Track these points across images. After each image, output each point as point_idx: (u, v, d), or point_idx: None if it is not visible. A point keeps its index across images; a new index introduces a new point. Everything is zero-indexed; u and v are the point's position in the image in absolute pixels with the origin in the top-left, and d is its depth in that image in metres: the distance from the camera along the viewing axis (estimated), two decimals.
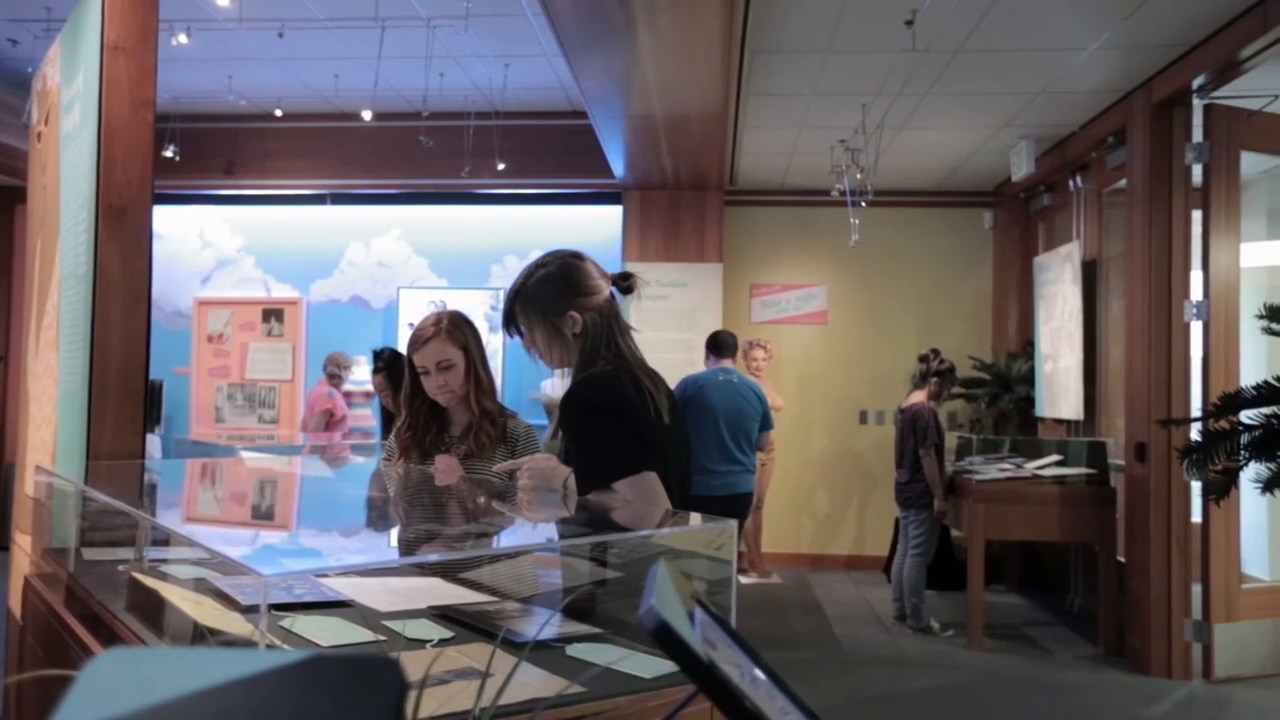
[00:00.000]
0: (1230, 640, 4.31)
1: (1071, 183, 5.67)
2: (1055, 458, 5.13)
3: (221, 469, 2.84)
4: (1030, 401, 6.09)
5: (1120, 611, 4.70)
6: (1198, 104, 4.38)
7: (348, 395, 6.37)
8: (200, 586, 1.68)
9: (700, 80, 4.28)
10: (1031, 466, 5.10)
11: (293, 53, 5.41)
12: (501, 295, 5.06)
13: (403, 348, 2.83)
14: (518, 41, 5.19)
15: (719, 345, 4.75)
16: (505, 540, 1.81)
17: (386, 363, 4.41)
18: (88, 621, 1.66)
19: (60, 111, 2.66)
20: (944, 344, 6.62)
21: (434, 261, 6.97)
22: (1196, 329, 4.41)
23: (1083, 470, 4.92)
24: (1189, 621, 4.36)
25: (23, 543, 2.55)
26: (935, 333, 6.74)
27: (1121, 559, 4.75)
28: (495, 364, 6.61)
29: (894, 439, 5.37)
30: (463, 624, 1.58)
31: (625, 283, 1.86)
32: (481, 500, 2.01)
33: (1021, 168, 5.58)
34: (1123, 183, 4.85)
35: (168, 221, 7.15)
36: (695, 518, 1.66)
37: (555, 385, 4.39)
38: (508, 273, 6.69)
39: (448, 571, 1.91)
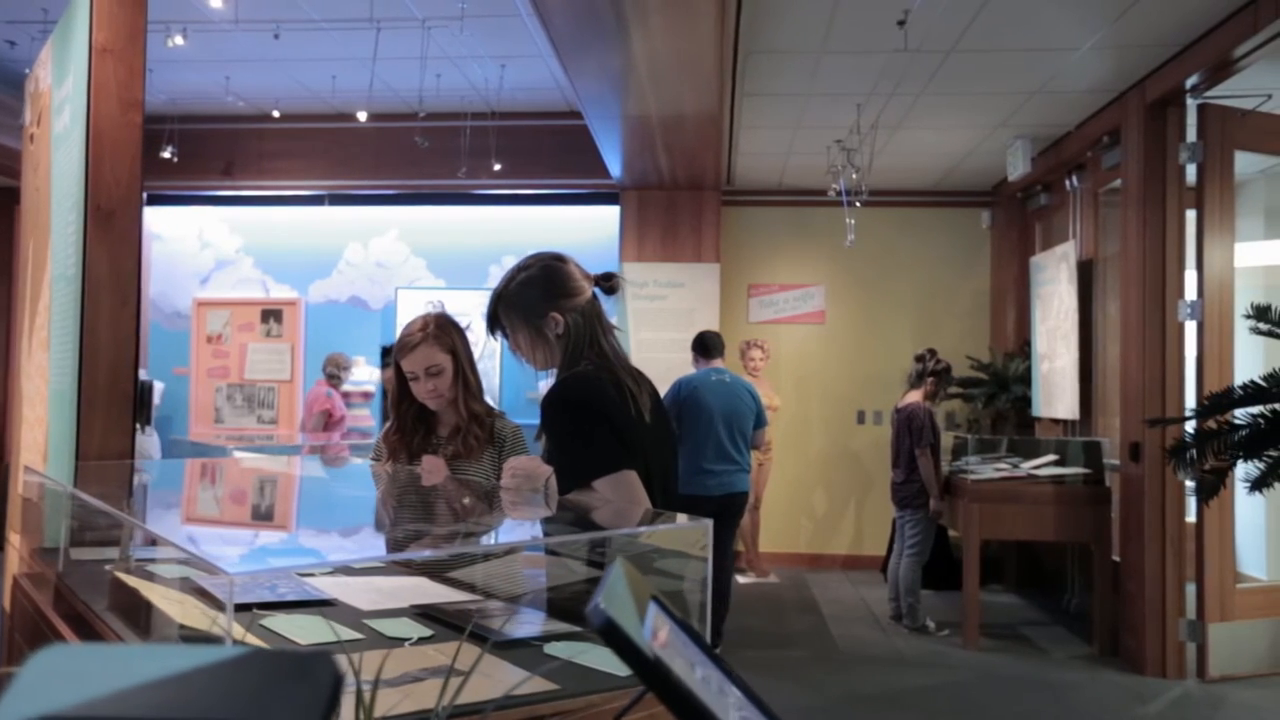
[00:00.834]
0: (1225, 640, 4.31)
1: (1068, 182, 5.67)
2: (1051, 457, 5.13)
3: (211, 469, 2.85)
4: (1027, 401, 6.09)
5: (1115, 611, 4.70)
6: (1191, 104, 4.38)
7: (346, 396, 6.39)
8: (185, 586, 1.70)
9: (694, 81, 4.28)
10: (1027, 466, 5.10)
11: (289, 54, 5.43)
12: None
13: None
14: (514, 42, 5.20)
15: (706, 346, 4.76)
16: (484, 540, 1.81)
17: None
18: (72, 621, 1.67)
19: (51, 113, 2.68)
20: (942, 344, 6.63)
21: (432, 262, 6.99)
22: (1191, 329, 4.41)
23: (1078, 470, 4.92)
24: (1183, 621, 4.36)
25: (16, 543, 2.56)
26: (933, 332, 6.75)
27: (1117, 559, 4.75)
28: (494, 364, 6.63)
29: (890, 439, 5.37)
30: (444, 623, 1.59)
31: (608, 283, 1.87)
32: (466, 500, 2.02)
33: (1018, 168, 5.58)
34: (1118, 182, 4.85)
35: (166, 222, 7.18)
36: (676, 517, 1.67)
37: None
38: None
39: (434, 571, 1.92)
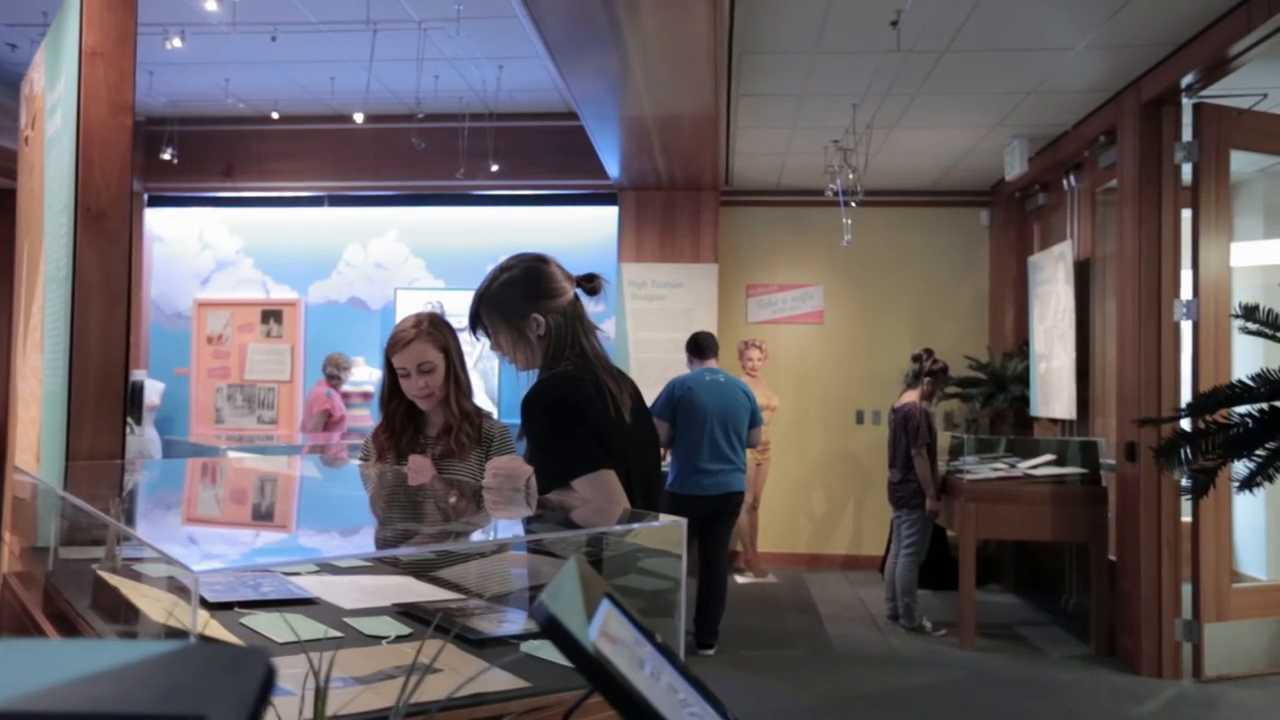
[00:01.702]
0: (1221, 640, 4.30)
1: (1065, 182, 5.67)
2: (1048, 457, 5.13)
3: (202, 469, 2.87)
4: (1026, 401, 6.09)
5: (1112, 611, 4.70)
6: (1187, 103, 4.37)
7: (346, 396, 6.41)
8: (167, 584, 1.71)
9: (688, 81, 4.29)
10: (1024, 466, 5.10)
11: (288, 56, 5.45)
12: None
13: None
14: (511, 43, 5.21)
15: (700, 347, 4.77)
16: (461, 539, 1.82)
17: None
18: (58, 620, 1.69)
19: (44, 116, 2.70)
20: (941, 343, 6.63)
21: (431, 262, 7.00)
22: (1187, 329, 4.40)
23: (1074, 470, 4.92)
24: (1179, 621, 4.35)
25: (10, 542, 2.59)
26: (932, 332, 6.74)
27: (1113, 558, 4.75)
28: (494, 364, 6.64)
29: (886, 439, 5.38)
30: (426, 622, 1.60)
31: (590, 284, 1.88)
32: (451, 500, 2.03)
33: (1015, 167, 5.58)
34: (1115, 182, 4.85)
35: (167, 223, 7.21)
36: (653, 516, 1.67)
37: None
38: None
39: (420, 570, 1.93)
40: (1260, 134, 4.43)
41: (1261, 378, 2.38)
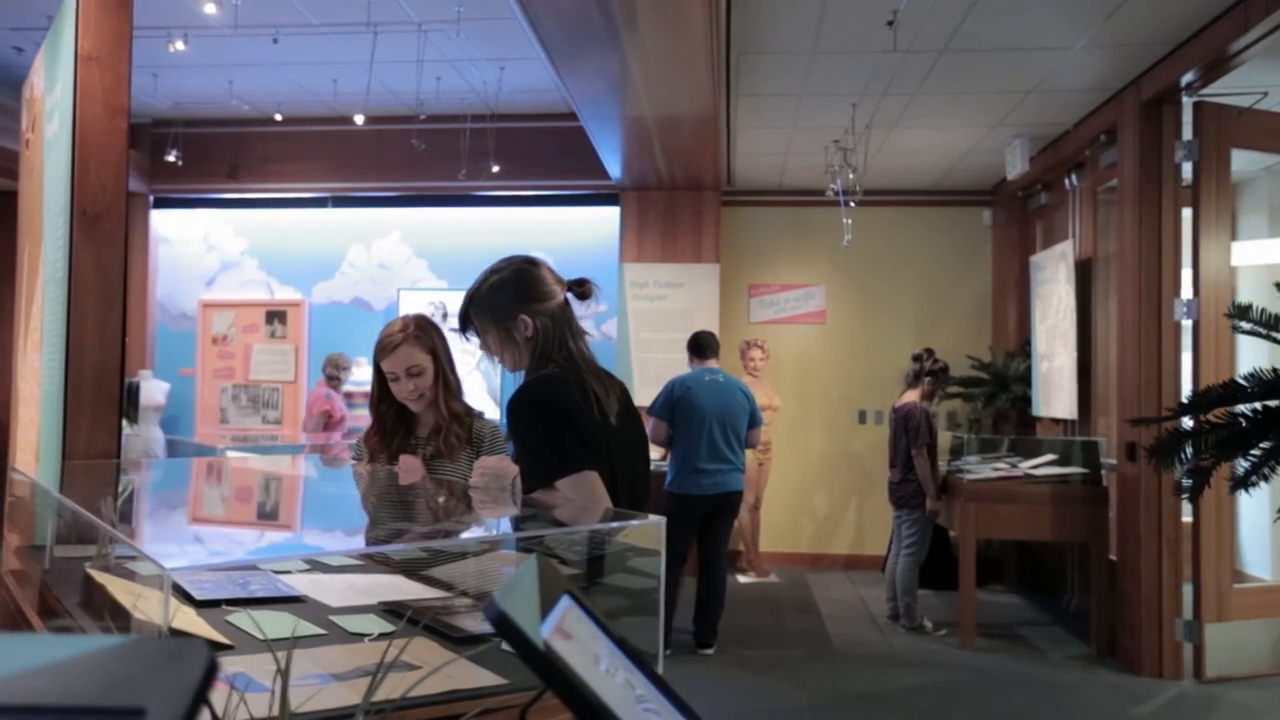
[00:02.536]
0: (1222, 640, 4.28)
1: (1067, 181, 5.66)
2: (1050, 457, 5.12)
3: (196, 468, 2.90)
4: (1028, 401, 6.08)
5: (1112, 611, 4.69)
6: (1187, 102, 4.36)
7: (347, 396, 6.44)
8: (151, 582, 1.73)
9: (687, 82, 4.30)
10: (1026, 466, 5.09)
11: (290, 58, 5.48)
12: None
13: None
14: (512, 44, 5.23)
15: (700, 346, 4.78)
16: (442, 537, 1.84)
17: None
18: (49, 617, 1.71)
19: (44, 119, 2.73)
20: (943, 343, 6.62)
21: (434, 263, 7.03)
22: (1188, 328, 4.39)
23: (1075, 470, 4.91)
24: (1180, 621, 4.34)
25: (9, 541, 2.62)
26: (934, 332, 6.74)
27: (1114, 558, 4.73)
28: (496, 365, 6.67)
29: (887, 438, 5.37)
30: (412, 620, 1.61)
31: (580, 288, 1.89)
32: (440, 499, 2.05)
33: (1016, 166, 5.57)
34: (1116, 181, 4.84)
35: (172, 225, 7.26)
36: (632, 515, 1.68)
37: None
38: None
39: (410, 569, 1.95)
40: (1261, 132, 4.41)
41: (1254, 377, 2.38)
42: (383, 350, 2.29)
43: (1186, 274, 4.43)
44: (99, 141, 2.30)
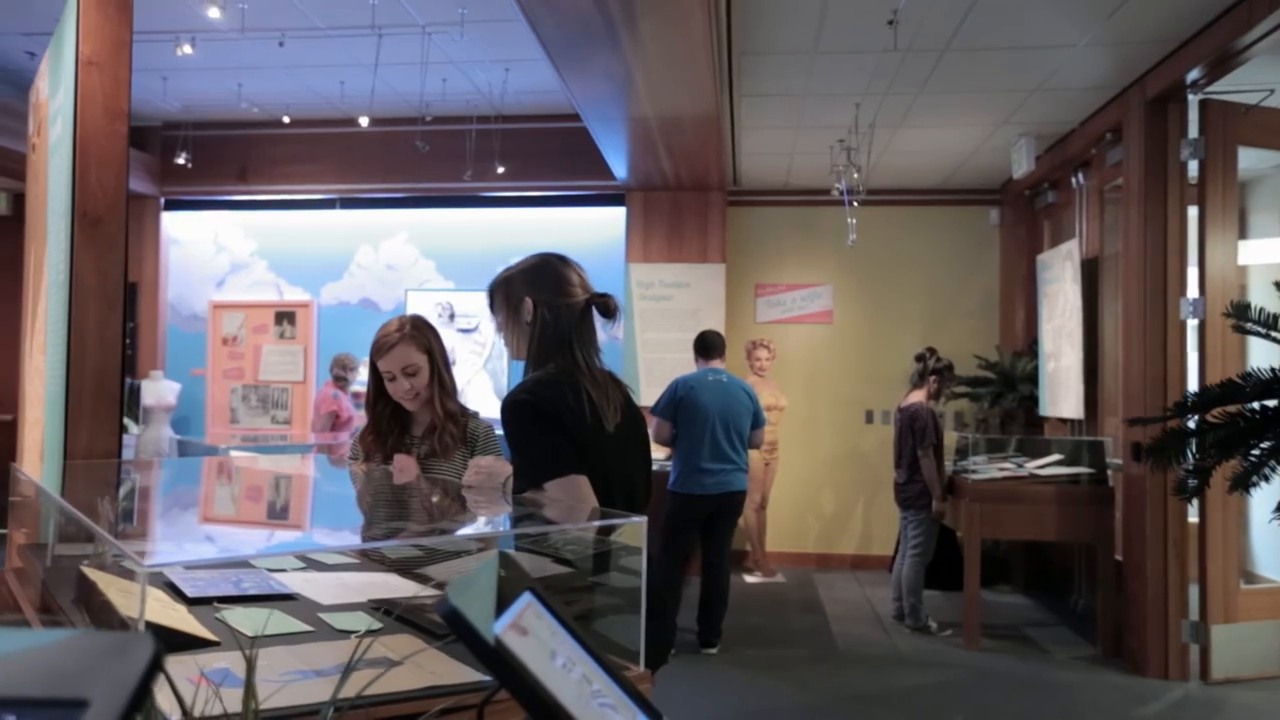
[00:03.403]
0: (1228, 641, 4.25)
1: (1074, 180, 5.63)
2: (1055, 457, 5.10)
3: (196, 467, 2.93)
4: (1035, 401, 6.05)
5: (1118, 612, 4.66)
6: (1193, 100, 4.33)
7: (355, 396, 6.48)
8: (155, 580, 1.76)
9: (688, 83, 4.31)
10: (1031, 466, 5.07)
11: (298, 60, 5.53)
12: None
13: None
14: (516, 46, 5.25)
15: (706, 346, 4.78)
16: (429, 535, 1.86)
17: None
18: (46, 614, 1.74)
19: (48, 124, 2.76)
20: (950, 342, 6.61)
21: (441, 264, 7.07)
22: (1194, 327, 4.36)
23: (1080, 470, 4.88)
24: (1186, 622, 4.31)
25: (14, 539, 2.65)
26: (941, 331, 6.72)
27: (1120, 559, 4.71)
28: (503, 364, 6.69)
29: (895, 438, 5.35)
30: (401, 618, 1.63)
31: (602, 302, 1.87)
32: (433, 498, 2.07)
33: (1021, 165, 5.55)
34: (1121, 180, 4.81)
35: (183, 227, 7.33)
36: (613, 515, 1.70)
37: None
38: None
39: (404, 568, 1.97)
40: (1268, 130, 4.38)
41: (1250, 377, 2.37)
42: (379, 350, 2.31)
43: (1193, 273, 4.40)
44: (99, 145, 2.33)
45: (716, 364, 4.77)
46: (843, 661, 4.57)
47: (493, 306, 1.94)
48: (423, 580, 1.88)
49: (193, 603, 1.63)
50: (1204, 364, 4.24)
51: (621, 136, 5.42)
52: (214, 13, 4.30)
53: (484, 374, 6.87)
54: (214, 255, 7.30)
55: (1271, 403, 2.45)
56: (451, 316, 6.90)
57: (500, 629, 0.74)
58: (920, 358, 5.24)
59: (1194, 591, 4.31)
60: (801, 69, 4.51)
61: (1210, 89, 4.27)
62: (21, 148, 6.30)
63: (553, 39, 3.88)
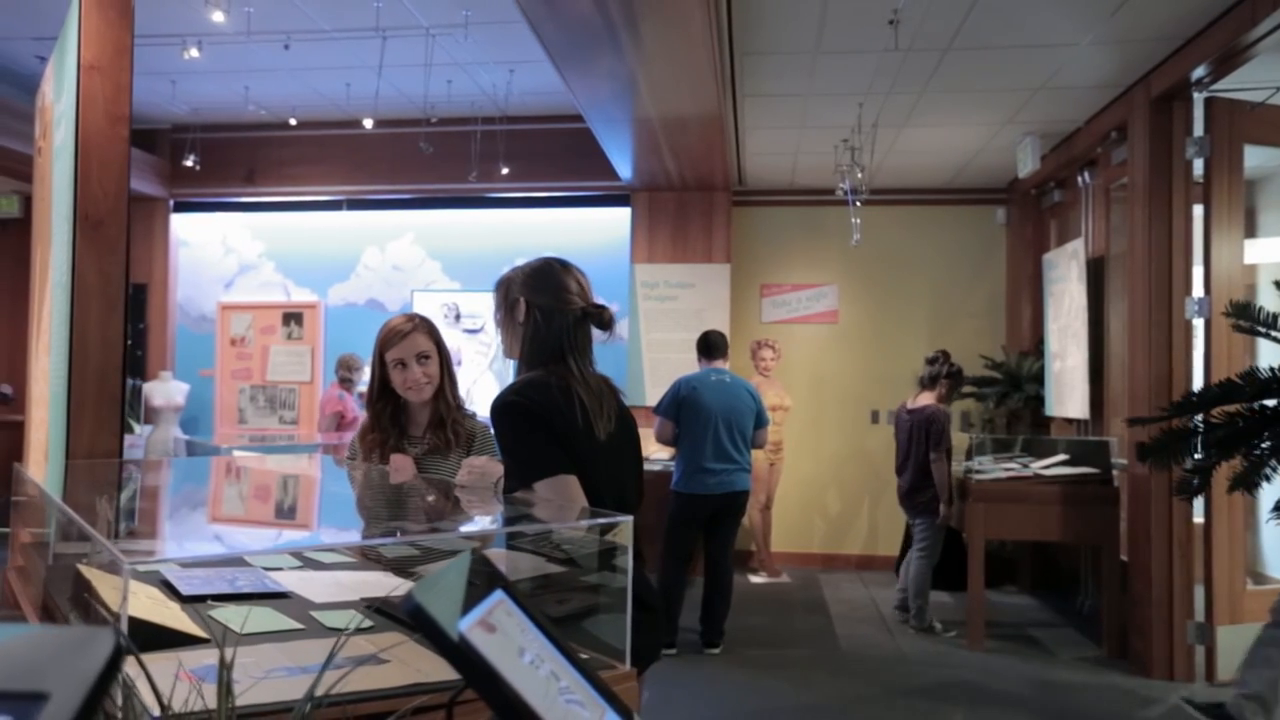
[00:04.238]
0: (1234, 643, 4.22)
1: (1080, 179, 5.60)
2: (1061, 457, 5.08)
3: (197, 467, 2.95)
4: (1041, 401, 6.03)
5: (1124, 613, 4.64)
6: (1198, 97, 4.31)
7: (361, 397, 6.52)
8: (151, 578, 1.78)
9: (690, 83, 4.32)
10: (1037, 466, 5.05)
11: (304, 63, 5.56)
12: None
13: None
14: (521, 47, 5.27)
15: (709, 346, 4.79)
16: (417, 533, 1.87)
17: None
18: (45, 612, 1.76)
19: (52, 128, 2.80)
20: (957, 342, 6.58)
21: (447, 264, 7.10)
22: (1199, 327, 4.34)
23: (1085, 470, 4.86)
24: (1191, 623, 4.29)
25: (18, 537, 2.68)
26: (948, 331, 6.70)
27: (1125, 559, 4.69)
28: (508, 364, 6.72)
29: (899, 441, 5.30)
30: (392, 616, 1.65)
31: (598, 311, 1.87)
32: (428, 497, 2.08)
33: (1027, 164, 5.53)
34: (1127, 178, 4.79)
35: (192, 228, 7.38)
36: (599, 513, 1.71)
37: None
38: None
39: (401, 567, 1.98)
40: (1274, 127, 4.35)
41: (1249, 376, 2.36)
42: (391, 338, 2.29)
43: (1198, 272, 4.37)
44: (101, 148, 2.36)
45: (719, 364, 4.77)
46: (846, 662, 4.56)
47: (495, 302, 1.97)
48: (418, 579, 1.89)
49: (187, 600, 1.66)
50: (1209, 364, 4.22)
51: (626, 138, 5.43)
52: (218, 16, 4.33)
53: (489, 375, 6.90)
54: (222, 257, 7.35)
55: (1271, 402, 2.44)
56: (457, 317, 6.93)
57: (466, 626, 0.75)
58: (933, 360, 5.21)
59: (1199, 592, 4.28)
60: (804, 69, 4.50)
61: (1215, 87, 4.24)
62: (32, 151, 6.36)
63: (555, 41, 3.89)
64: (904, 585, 5.25)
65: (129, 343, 2.55)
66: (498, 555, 2.03)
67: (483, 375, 6.89)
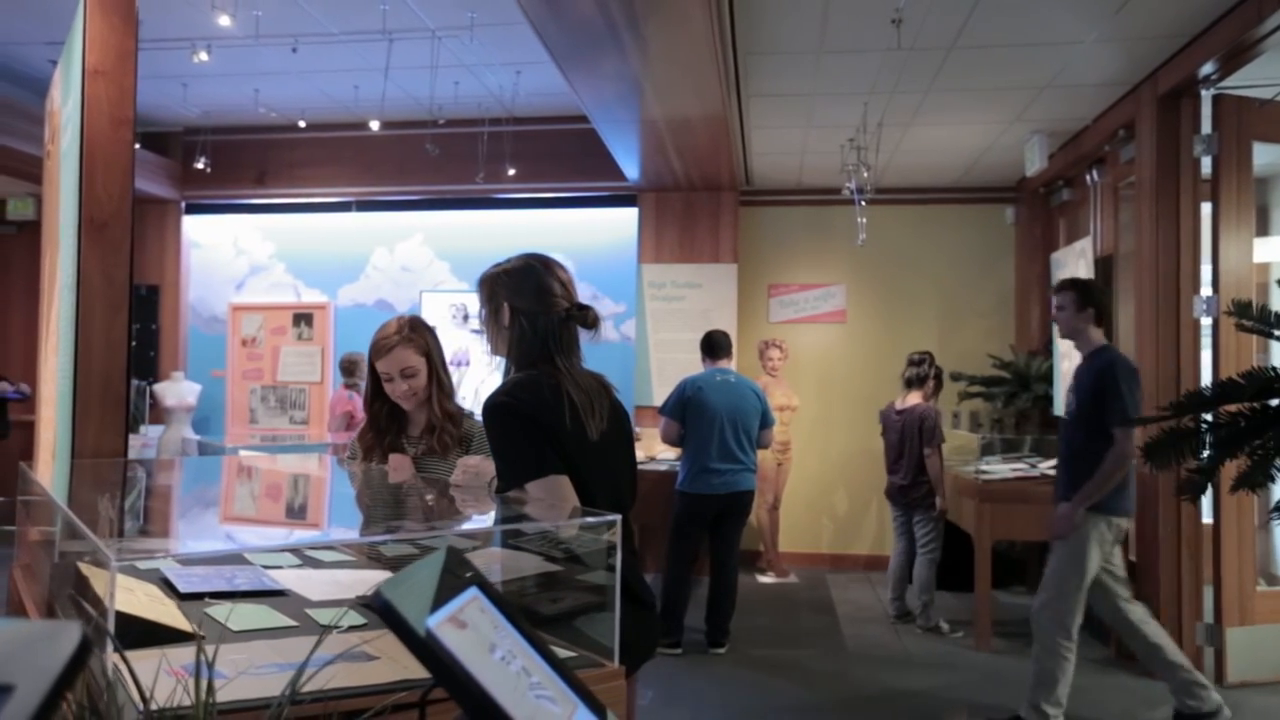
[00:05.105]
0: (1244, 644, 4.19)
1: (1088, 177, 5.58)
2: None
3: (199, 467, 2.98)
4: (1049, 400, 5.99)
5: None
6: (1206, 95, 4.28)
7: None
8: (151, 576, 1.81)
9: (695, 84, 4.32)
10: (1045, 466, 5.03)
11: (312, 66, 5.60)
12: None
13: None
14: (527, 49, 5.28)
15: (713, 346, 4.79)
16: (409, 531, 1.89)
17: None
18: (46, 609, 1.79)
19: (60, 131, 2.83)
20: (965, 342, 6.57)
21: (455, 265, 7.13)
22: (1208, 325, 4.31)
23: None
24: (1200, 625, 4.26)
25: (26, 535, 2.72)
26: (956, 331, 6.68)
27: (1134, 560, 4.66)
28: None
29: (891, 440, 5.33)
30: (368, 605, 1.66)
31: (581, 313, 1.87)
32: (425, 496, 2.10)
33: (1034, 163, 5.50)
34: (1135, 177, 4.76)
35: (203, 230, 7.45)
36: (588, 512, 1.72)
37: None
38: None
39: (398, 565, 2.00)
40: None
41: (1250, 375, 2.34)
42: (378, 352, 2.35)
43: (1207, 270, 4.34)
44: (105, 151, 2.39)
45: (724, 364, 4.78)
46: (852, 662, 4.56)
47: (480, 301, 1.97)
48: None
49: (185, 598, 1.68)
50: (1217, 362, 4.19)
51: (632, 138, 5.44)
52: (224, 20, 4.37)
53: (496, 376, 6.92)
54: (233, 258, 7.41)
55: (1274, 401, 2.42)
56: (465, 318, 6.96)
57: (434, 622, 0.76)
58: (919, 361, 5.32)
59: (1208, 594, 4.25)
60: (807, 68, 4.50)
61: (1223, 84, 4.21)
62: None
63: (558, 43, 3.91)
64: (896, 593, 5.28)
65: (134, 344, 2.58)
66: (490, 554, 2.05)
67: (490, 375, 6.92)
